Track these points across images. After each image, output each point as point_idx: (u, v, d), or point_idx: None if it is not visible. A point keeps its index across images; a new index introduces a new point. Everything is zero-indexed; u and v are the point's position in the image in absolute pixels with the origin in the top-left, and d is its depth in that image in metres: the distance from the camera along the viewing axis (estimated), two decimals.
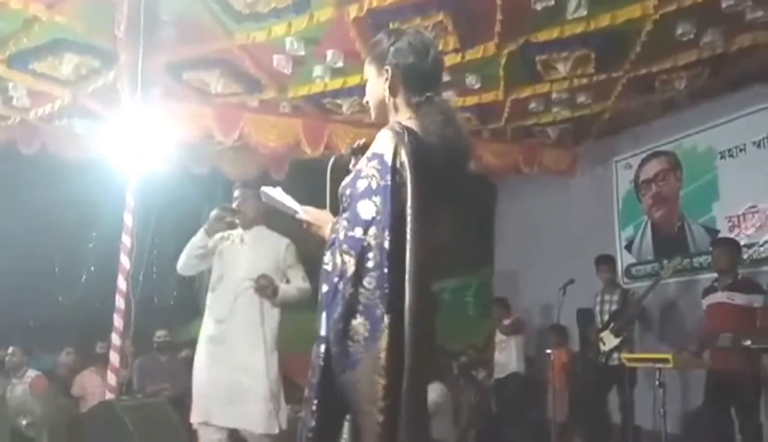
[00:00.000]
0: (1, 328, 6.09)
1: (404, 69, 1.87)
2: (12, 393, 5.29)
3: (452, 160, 1.83)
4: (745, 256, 5.04)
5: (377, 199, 1.68)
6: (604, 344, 5.42)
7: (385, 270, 1.62)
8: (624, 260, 6.41)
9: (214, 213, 3.39)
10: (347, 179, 1.83)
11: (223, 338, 3.30)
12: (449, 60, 4.59)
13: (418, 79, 1.88)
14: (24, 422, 4.00)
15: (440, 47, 4.40)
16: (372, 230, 1.65)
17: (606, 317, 5.52)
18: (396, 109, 1.91)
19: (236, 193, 3.54)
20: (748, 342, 3.82)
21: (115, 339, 4.12)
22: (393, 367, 1.58)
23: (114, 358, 4.12)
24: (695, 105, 5.68)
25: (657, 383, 4.26)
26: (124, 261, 4.18)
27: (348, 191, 1.78)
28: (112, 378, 4.13)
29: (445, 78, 4.81)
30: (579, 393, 6.07)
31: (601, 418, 5.54)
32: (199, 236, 3.43)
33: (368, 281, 1.63)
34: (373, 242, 1.64)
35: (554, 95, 5.29)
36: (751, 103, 5.27)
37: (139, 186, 4.35)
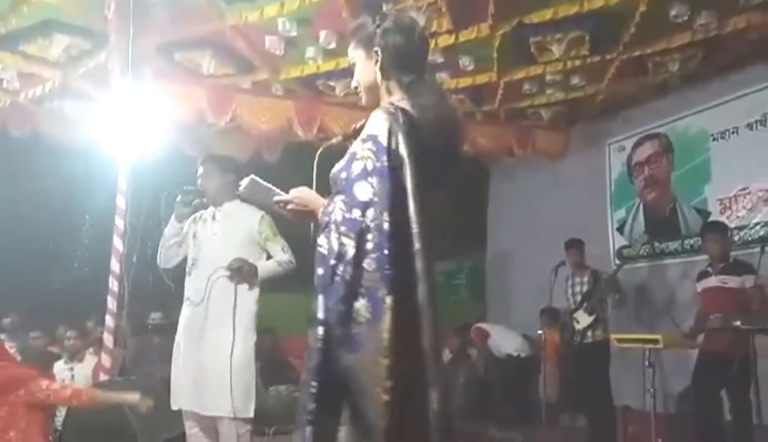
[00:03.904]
0: None
1: (394, 49, 1.86)
2: (75, 379, 5.06)
3: (446, 139, 1.84)
4: (736, 238, 5.08)
5: (374, 180, 1.67)
6: (578, 322, 5.52)
7: (386, 252, 1.62)
8: (616, 242, 6.45)
9: (179, 199, 3.34)
10: (341, 163, 1.82)
11: (196, 324, 3.23)
12: (442, 41, 4.58)
13: (407, 58, 1.88)
14: None
15: (433, 28, 4.39)
16: (370, 212, 1.65)
17: (578, 298, 5.63)
18: (389, 91, 1.89)
19: (199, 170, 3.44)
20: (738, 322, 3.86)
21: (109, 321, 4.13)
22: (396, 347, 1.59)
23: (108, 339, 4.13)
24: (688, 87, 5.68)
25: (647, 363, 4.33)
26: (117, 243, 4.18)
27: (343, 174, 1.77)
28: (106, 359, 4.14)
29: (439, 59, 4.80)
30: (566, 373, 6.15)
31: (589, 397, 5.62)
32: (171, 226, 3.39)
33: (368, 263, 1.63)
34: (371, 224, 1.64)
35: (548, 77, 5.29)
36: (744, 86, 5.27)
37: (131, 168, 4.33)
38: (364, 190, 1.67)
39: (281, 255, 3.34)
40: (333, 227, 1.69)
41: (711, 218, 5.38)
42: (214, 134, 6.06)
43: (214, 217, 3.41)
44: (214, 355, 3.15)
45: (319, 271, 1.71)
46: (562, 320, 5.94)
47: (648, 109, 6.18)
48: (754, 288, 4.29)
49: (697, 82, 5.57)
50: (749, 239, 5.11)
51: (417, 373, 1.61)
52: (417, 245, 1.64)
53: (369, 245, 1.64)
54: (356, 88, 1.99)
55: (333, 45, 4.56)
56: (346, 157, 1.81)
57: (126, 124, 4.21)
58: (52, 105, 5.59)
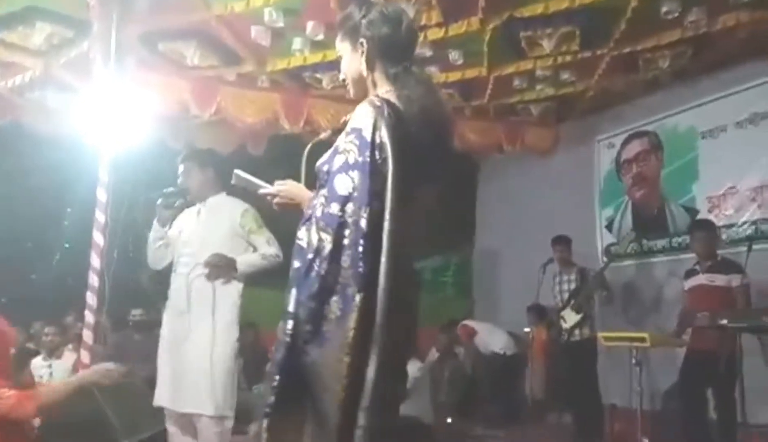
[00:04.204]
0: None
1: (379, 40, 1.83)
2: (54, 376, 4.98)
3: (434, 131, 1.80)
4: (724, 236, 5.08)
5: (355, 174, 1.64)
6: (565, 321, 5.52)
7: (360, 249, 1.59)
8: (604, 239, 6.44)
9: (159, 202, 3.31)
10: (325, 156, 1.79)
11: (177, 320, 3.21)
12: (432, 34, 4.53)
13: (394, 49, 1.85)
14: None
15: (423, 21, 4.34)
16: (349, 207, 1.62)
17: (566, 296, 5.63)
18: (374, 82, 1.87)
19: (180, 168, 3.41)
20: (725, 321, 3.85)
21: (89, 317, 4.03)
22: (359, 346, 1.56)
23: (87, 336, 4.04)
24: (678, 85, 5.68)
25: (633, 361, 4.32)
26: (98, 238, 4.08)
27: (325, 167, 1.74)
28: (85, 356, 4.05)
29: (428, 53, 4.75)
30: (553, 371, 6.16)
31: (576, 395, 5.63)
32: (154, 230, 3.37)
33: (344, 260, 1.60)
34: (350, 219, 1.61)
35: (538, 72, 5.25)
36: (733, 84, 5.28)
37: (113, 160, 4.23)
38: (343, 184, 1.64)
39: (266, 248, 3.28)
40: (313, 220, 1.66)
41: (699, 217, 5.38)
42: (197, 127, 5.97)
43: (199, 213, 3.38)
44: (193, 352, 3.10)
45: (296, 264, 1.69)
46: (549, 318, 5.93)
47: (637, 106, 6.17)
48: (740, 287, 4.30)
49: (686, 79, 5.57)
50: (737, 237, 5.12)
51: None
52: (387, 244, 1.60)
53: (346, 241, 1.60)
54: (344, 80, 1.96)
55: (321, 36, 4.49)
56: (330, 150, 1.78)
57: (108, 115, 4.11)
58: (33, 95, 5.47)
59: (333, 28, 4.27)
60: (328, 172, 1.71)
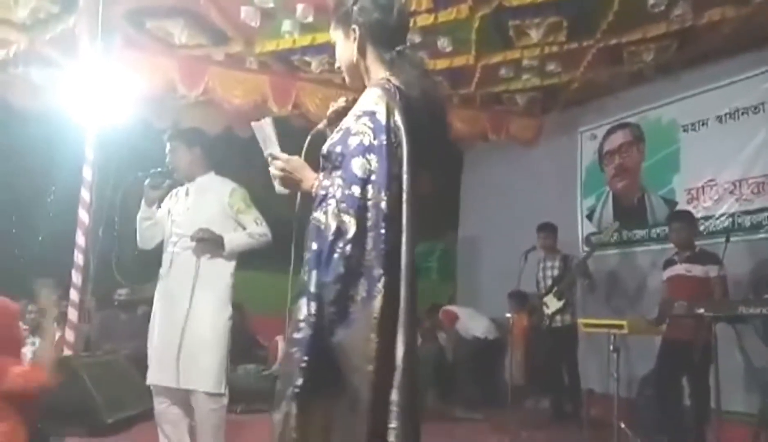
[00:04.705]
0: None
1: (371, 26, 1.84)
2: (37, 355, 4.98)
3: (433, 115, 1.83)
4: (702, 228, 5.17)
5: (372, 157, 1.66)
6: (547, 307, 5.60)
7: (382, 231, 1.63)
8: (584, 228, 6.53)
9: (146, 182, 3.29)
10: (335, 138, 1.78)
11: (165, 298, 3.21)
12: (422, 20, 4.53)
13: (386, 34, 1.86)
14: None
15: (413, 7, 4.35)
16: (369, 189, 1.65)
17: (549, 282, 5.72)
18: (368, 68, 1.88)
19: (167, 147, 3.37)
20: (701, 310, 3.93)
21: (74, 295, 4.04)
22: (386, 326, 1.61)
23: (72, 314, 4.04)
24: (661, 78, 5.74)
25: (611, 347, 4.40)
26: (83, 216, 4.08)
27: (338, 149, 1.73)
28: (69, 334, 4.06)
29: (417, 39, 4.75)
30: (533, 356, 6.26)
31: (556, 380, 5.73)
32: (142, 209, 3.35)
33: (367, 242, 1.63)
34: (370, 202, 1.64)
35: (525, 62, 5.28)
36: (715, 79, 5.34)
37: (98, 139, 4.21)
38: (361, 167, 1.65)
39: (254, 227, 3.26)
40: (332, 202, 1.66)
41: (678, 208, 5.46)
42: (184, 107, 5.93)
43: (187, 193, 3.36)
44: (177, 328, 3.08)
45: (314, 246, 1.68)
46: (530, 304, 6.02)
47: (621, 98, 6.22)
48: (717, 278, 4.40)
49: (670, 73, 5.62)
50: (714, 229, 5.21)
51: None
52: (407, 226, 1.65)
53: (369, 223, 1.63)
54: (339, 67, 1.97)
55: (310, 19, 4.47)
56: (340, 133, 1.78)
57: (94, 93, 4.09)
58: (17, 70, 5.39)
59: (323, 11, 4.30)
60: (342, 154, 1.71)
